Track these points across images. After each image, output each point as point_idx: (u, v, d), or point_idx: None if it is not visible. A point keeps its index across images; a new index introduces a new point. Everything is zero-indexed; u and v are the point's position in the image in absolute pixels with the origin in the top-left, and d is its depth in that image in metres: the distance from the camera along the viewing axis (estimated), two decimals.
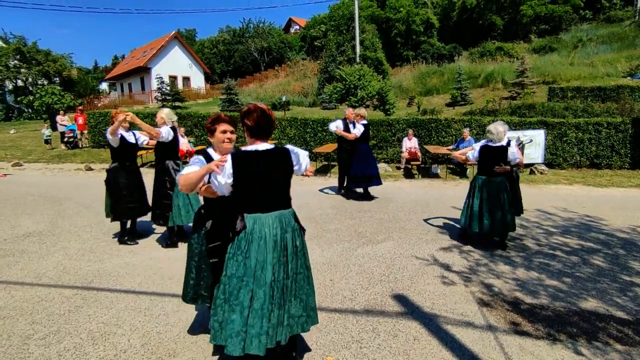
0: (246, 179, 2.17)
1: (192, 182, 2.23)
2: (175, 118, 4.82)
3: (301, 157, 2.38)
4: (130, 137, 4.75)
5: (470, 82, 23.46)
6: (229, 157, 2.15)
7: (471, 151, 4.96)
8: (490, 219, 4.72)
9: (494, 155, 4.76)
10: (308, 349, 2.72)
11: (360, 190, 7.64)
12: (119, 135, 4.59)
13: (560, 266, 4.28)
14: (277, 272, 2.19)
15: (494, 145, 4.76)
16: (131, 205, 4.76)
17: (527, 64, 21.08)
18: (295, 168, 2.35)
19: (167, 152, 4.70)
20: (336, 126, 7.12)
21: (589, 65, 23.60)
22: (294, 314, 2.27)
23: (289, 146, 2.35)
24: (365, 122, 7.27)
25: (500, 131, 4.69)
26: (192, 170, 2.33)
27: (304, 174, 2.45)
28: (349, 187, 7.56)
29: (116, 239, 4.98)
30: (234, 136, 2.61)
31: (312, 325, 2.39)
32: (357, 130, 7.07)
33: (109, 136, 4.52)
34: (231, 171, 2.14)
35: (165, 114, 4.67)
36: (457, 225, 5.89)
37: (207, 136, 2.62)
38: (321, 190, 8.27)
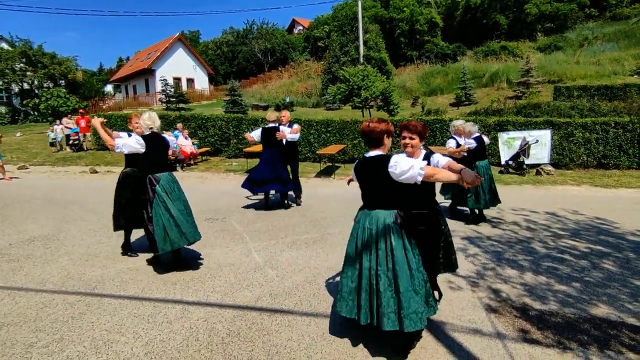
0: None
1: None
2: (157, 123, 4.15)
3: None
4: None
5: (475, 81, 23.33)
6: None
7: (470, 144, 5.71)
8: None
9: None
10: (313, 358, 2.68)
11: None
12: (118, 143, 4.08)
13: (569, 270, 4.21)
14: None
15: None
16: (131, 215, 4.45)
17: (532, 63, 20.91)
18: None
19: (143, 164, 4.13)
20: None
21: (595, 63, 23.36)
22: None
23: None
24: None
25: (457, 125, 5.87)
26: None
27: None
28: None
29: (119, 244, 4.96)
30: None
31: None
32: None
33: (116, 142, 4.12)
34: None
35: (143, 119, 4.12)
36: (464, 227, 5.83)
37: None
38: None
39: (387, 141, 2.68)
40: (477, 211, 6.12)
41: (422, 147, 3.04)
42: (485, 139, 6.21)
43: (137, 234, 5.01)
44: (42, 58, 28.78)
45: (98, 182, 9.77)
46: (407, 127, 2.92)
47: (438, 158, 3.00)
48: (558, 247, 4.95)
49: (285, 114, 6.93)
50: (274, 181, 6.65)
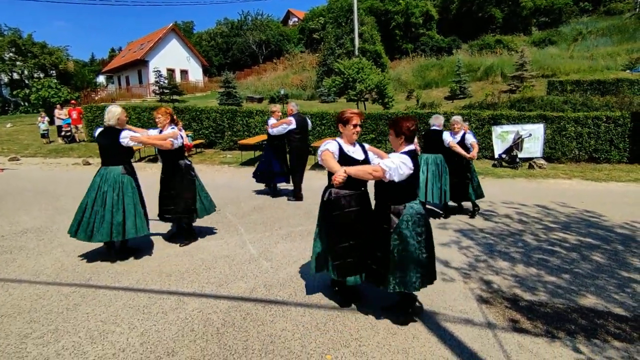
0: None
1: None
2: (111, 120, 4.19)
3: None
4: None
5: (470, 75, 23.37)
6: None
7: (475, 139, 5.89)
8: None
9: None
10: (307, 347, 2.72)
11: None
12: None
13: (559, 262, 4.29)
14: None
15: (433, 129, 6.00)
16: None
17: (526, 57, 20.98)
18: None
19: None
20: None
21: (588, 58, 23.51)
22: None
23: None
24: None
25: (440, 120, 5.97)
26: None
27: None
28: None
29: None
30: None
31: None
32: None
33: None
34: None
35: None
36: (459, 220, 5.90)
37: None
38: None
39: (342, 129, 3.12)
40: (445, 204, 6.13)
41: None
42: (446, 136, 5.77)
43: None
44: (32, 47, 28.27)
45: (91, 174, 9.67)
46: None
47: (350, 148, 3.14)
48: (549, 240, 5.03)
49: (274, 108, 7.09)
50: (267, 174, 7.07)
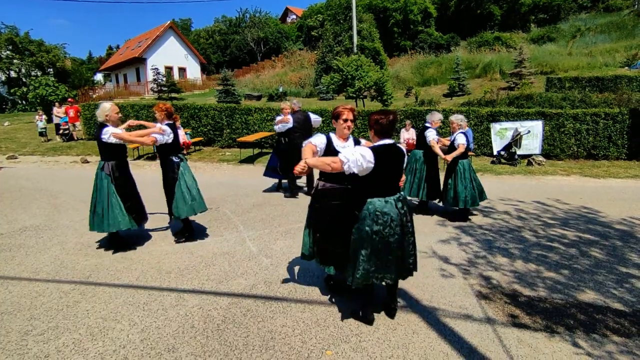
0: None
1: None
2: (99, 117, 4.30)
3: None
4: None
5: (468, 72, 23.35)
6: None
7: (463, 141, 5.58)
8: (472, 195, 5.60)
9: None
10: (307, 343, 2.73)
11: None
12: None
13: (558, 258, 4.30)
14: None
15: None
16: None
17: (525, 54, 20.97)
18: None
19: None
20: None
21: (587, 55, 23.50)
22: None
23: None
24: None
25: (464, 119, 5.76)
26: None
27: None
28: None
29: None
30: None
31: None
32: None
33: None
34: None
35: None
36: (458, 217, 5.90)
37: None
38: None
39: (335, 124, 3.19)
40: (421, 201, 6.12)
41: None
42: (429, 134, 5.75)
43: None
44: (29, 45, 28.14)
45: (90, 172, 9.66)
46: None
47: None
48: (548, 236, 5.04)
49: (283, 105, 7.15)
50: (273, 170, 7.30)
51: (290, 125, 6.80)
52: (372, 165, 2.70)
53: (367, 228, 2.75)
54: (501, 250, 4.53)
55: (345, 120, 3.09)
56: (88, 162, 11.22)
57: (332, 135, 3.17)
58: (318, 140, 3.10)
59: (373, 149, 2.75)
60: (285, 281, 3.69)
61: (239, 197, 7.08)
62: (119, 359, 2.54)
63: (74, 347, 2.66)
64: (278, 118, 6.98)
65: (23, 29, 30.32)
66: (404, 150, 2.96)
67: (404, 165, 2.96)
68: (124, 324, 2.94)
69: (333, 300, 3.33)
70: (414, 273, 3.02)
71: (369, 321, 2.96)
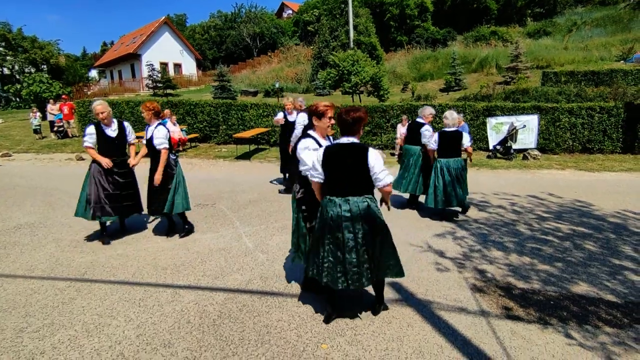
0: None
1: None
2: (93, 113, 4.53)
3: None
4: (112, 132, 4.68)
5: (465, 67, 23.36)
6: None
7: (432, 140, 5.45)
8: (455, 195, 5.35)
9: (451, 140, 5.38)
10: (302, 337, 2.74)
11: None
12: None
13: (552, 251, 4.33)
14: None
15: (449, 130, 5.38)
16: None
17: (521, 49, 20.99)
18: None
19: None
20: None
21: (583, 49, 23.56)
22: None
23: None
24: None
25: (455, 117, 5.41)
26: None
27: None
28: None
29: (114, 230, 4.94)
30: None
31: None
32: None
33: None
34: None
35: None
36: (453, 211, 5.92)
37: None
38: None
39: (317, 122, 3.03)
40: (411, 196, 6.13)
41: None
42: (426, 130, 5.71)
43: (131, 223, 5.02)
44: (22, 42, 27.90)
45: (84, 170, 9.61)
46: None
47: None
48: (542, 229, 5.08)
49: (285, 101, 7.11)
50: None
51: (282, 122, 6.87)
52: (320, 165, 2.74)
53: (319, 227, 2.83)
54: (496, 244, 4.55)
55: (330, 119, 3.00)
56: (83, 159, 11.15)
57: (314, 135, 3.04)
58: (313, 148, 2.96)
59: (326, 147, 2.76)
60: (280, 276, 3.70)
61: (235, 193, 7.07)
62: (115, 355, 2.55)
63: (70, 343, 2.67)
64: (279, 115, 6.95)
65: (16, 25, 30.07)
66: (376, 152, 2.71)
67: (371, 166, 2.66)
68: (120, 320, 2.94)
69: (351, 296, 3.30)
70: (402, 277, 2.92)
71: (324, 318, 2.95)
